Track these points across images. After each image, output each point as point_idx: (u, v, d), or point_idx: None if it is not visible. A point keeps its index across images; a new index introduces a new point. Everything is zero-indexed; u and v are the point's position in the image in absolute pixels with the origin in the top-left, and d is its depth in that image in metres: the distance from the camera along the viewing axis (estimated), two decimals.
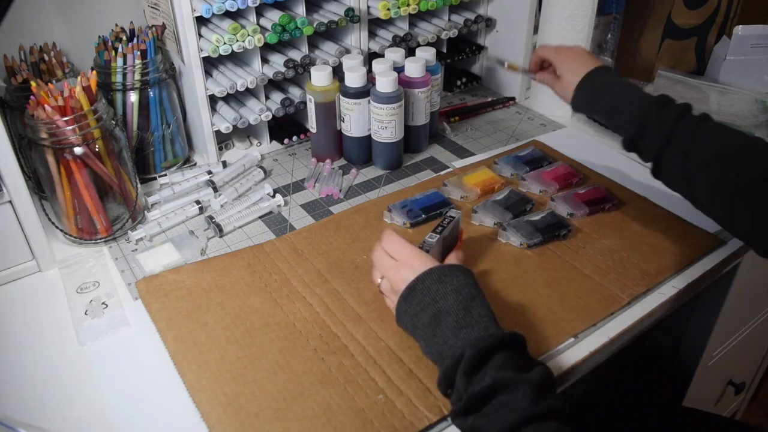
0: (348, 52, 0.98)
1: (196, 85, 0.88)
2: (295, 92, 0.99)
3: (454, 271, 0.59)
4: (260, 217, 0.85)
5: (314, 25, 0.93)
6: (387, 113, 0.89)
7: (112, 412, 0.58)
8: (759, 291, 1.03)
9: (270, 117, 0.96)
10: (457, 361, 0.51)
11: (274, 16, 0.91)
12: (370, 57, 1.02)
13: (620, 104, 0.72)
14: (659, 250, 0.76)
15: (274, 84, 1.00)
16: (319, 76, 0.89)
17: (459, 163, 0.96)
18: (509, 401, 0.48)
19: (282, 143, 1.02)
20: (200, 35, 0.88)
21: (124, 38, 0.88)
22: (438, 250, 0.69)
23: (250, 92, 0.98)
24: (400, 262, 0.61)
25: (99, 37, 0.88)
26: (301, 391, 0.58)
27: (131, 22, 0.90)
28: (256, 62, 0.94)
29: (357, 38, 1.00)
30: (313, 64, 0.94)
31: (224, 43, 0.86)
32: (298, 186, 0.92)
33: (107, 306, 0.70)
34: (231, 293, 0.70)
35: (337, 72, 0.95)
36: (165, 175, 0.92)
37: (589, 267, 0.73)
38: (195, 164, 0.97)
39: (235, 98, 0.99)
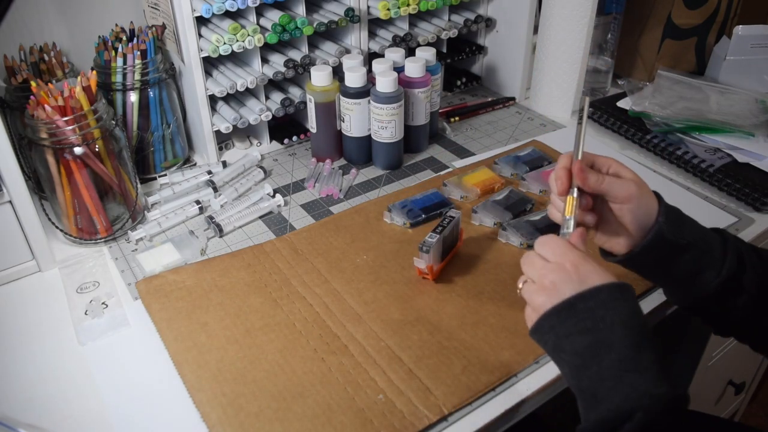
0: (348, 52, 0.98)
1: (196, 85, 0.88)
2: (295, 92, 0.99)
3: (625, 293, 0.49)
4: (260, 217, 0.85)
5: (314, 25, 0.93)
6: (387, 113, 0.89)
7: (111, 412, 0.58)
8: None
9: (270, 117, 0.96)
10: (622, 419, 0.44)
11: (274, 16, 0.91)
12: (370, 57, 1.02)
13: (704, 236, 0.58)
14: None
15: (274, 84, 1.00)
16: (319, 76, 0.89)
17: (459, 163, 0.96)
18: None
19: (282, 143, 1.02)
20: (200, 35, 0.88)
21: (124, 38, 0.88)
22: (438, 250, 0.69)
23: (250, 92, 0.98)
24: (556, 263, 0.51)
25: (99, 37, 0.88)
26: (301, 391, 0.58)
27: (131, 22, 0.90)
28: (256, 62, 0.94)
29: (357, 38, 1.00)
30: (313, 64, 0.94)
31: (224, 43, 0.86)
32: (298, 186, 0.92)
33: (107, 306, 0.70)
34: (231, 293, 0.70)
35: (337, 72, 0.95)
36: (165, 175, 0.92)
37: None
38: (195, 164, 0.97)
39: (235, 98, 0.99)
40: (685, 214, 0.61)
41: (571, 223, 0.56)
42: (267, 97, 0.98)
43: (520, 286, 0.55)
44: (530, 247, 0.76)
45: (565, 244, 0.52)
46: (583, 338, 0.48)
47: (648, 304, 0.68)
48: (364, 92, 0.90)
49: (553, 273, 0.51)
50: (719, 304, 0.59)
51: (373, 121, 0.91)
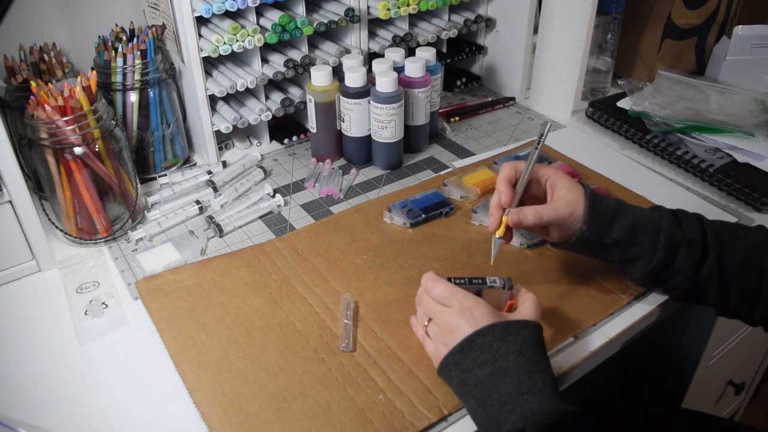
0: (348, 52, 0.98)
1: (196, 85, 0.88)
2: (295, 92, 0.99)
3: (520, 328, 0.55)
4: (260, 217, 0.85)
5: (314, 25, 0.93)
6: (387, 113, 0.89)
7: (112, 412, 0.58)
8: None
9: (270, 117, 0.96)
10: None
11: (274, 16, 0.91)
12: (370, 57, 1.02)
13: (637, 226, 0.63)
14: None
15: (274, 84, 1.00)
16: (319, 76, 0.89)
17: (459, 163, 0.96)
18: None
19: (282, 143, 1.02)
20: (200, 35, 0.88)
21: (124, 38, 0.88)
22: None
23: (250, 92, 0.98)
24: (454, 309, 0.57)
25: (99, 37, 0.88)
26: (301, 391, 0.58)
27: (131, 22, 0.90)
28: (256, 62, 0.94)
29: (357, 38, 1.00)
30: (313, 64, 0.94)
31: (224, 43, 0.86)
32: (298, 186, 0.92)
33: (107, 306, 0.70)
34: (231, 293, 0.70)
35: (337, 72, 0.95)
36: (165, 175, 0.92)
37: (589, 267, 0.73)
38: (195, 164, 0.97)
39: (235, 98, 0.99)
40: (624, 209, 0.64)
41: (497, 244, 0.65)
42: (267, 97, 0.98)
43: (426, 324, 0.60)
44: (530, 247, 0.76)
45: (451, 287, 0.59)
46: (483, 370, 0.53)
47: (644, 307, 0.68)
48: (364, 92, 0.90)
49: (453, 316, 0.57)
50: (657, 285, 0.67)
51: (373, 121, 0.91)
